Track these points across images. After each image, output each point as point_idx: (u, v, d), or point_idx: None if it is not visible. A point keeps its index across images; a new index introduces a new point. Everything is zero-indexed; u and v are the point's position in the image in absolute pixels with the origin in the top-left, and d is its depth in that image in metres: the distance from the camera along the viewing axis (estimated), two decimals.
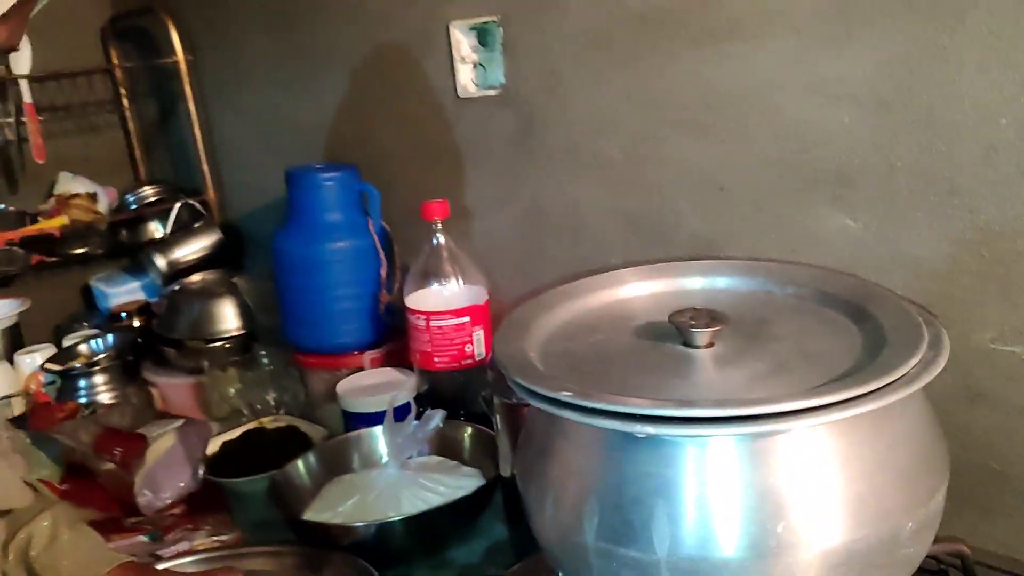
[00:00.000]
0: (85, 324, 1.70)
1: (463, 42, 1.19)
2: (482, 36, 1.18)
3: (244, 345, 1.47)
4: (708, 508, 0.49)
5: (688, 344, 0.58)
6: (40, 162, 1.56)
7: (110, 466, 1.19)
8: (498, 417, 0.97)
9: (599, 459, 0.53)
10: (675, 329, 0.59)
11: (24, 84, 1.51)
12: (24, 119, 1.53)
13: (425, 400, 1.20)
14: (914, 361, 0.50)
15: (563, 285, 0.68)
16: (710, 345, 0.58)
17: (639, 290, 0.69)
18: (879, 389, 0.48)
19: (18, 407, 1.43)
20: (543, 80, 1.10)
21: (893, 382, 0.49)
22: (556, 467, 0.56)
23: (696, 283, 0.69)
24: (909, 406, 0.52)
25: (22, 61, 1.51)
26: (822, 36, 0.84)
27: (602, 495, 0.52)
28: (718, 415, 0.48)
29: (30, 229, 1.54)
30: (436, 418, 1.05)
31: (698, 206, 0.98)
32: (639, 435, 0.49)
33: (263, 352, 1.40)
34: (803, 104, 0.86)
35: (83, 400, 1.42)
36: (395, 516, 0.95)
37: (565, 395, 0.51)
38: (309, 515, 1.02)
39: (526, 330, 0.62)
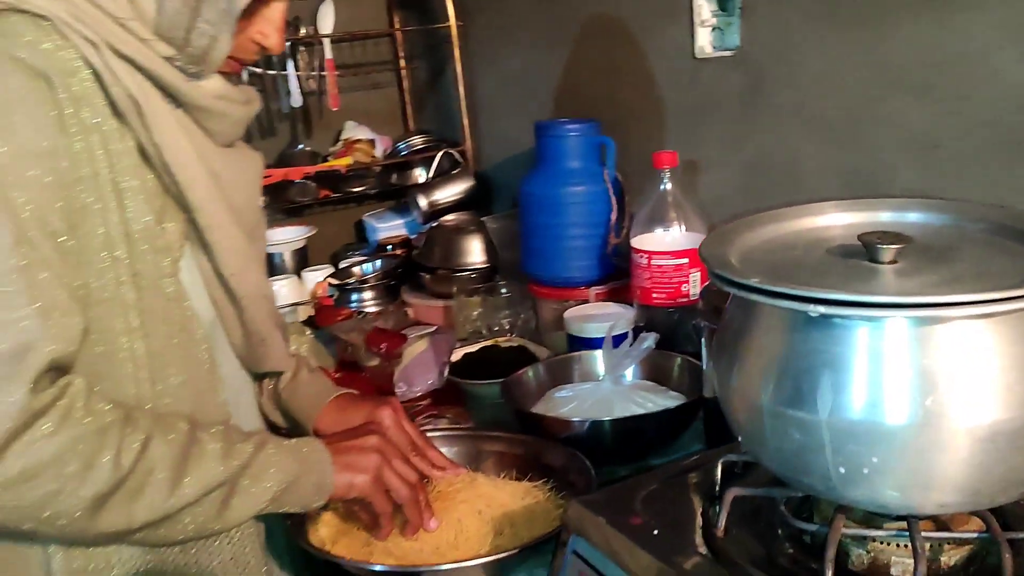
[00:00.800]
0: (357, 252, 2.00)
1: (704, 7, 1.30)
2: (722, 2, 1.29)
3: (487, 276, 1.68)
4: (865, 380, 0.59)
5: (873, 260, 0.67)
6: (334, 110, 1.85)
7: (375, 362, 1.44)
8: (704, 341, 1.09)
9: (779, 336, 0.64)
10: (863, 247, 0.68)
11: (327, 43, 1.80)
12: (324, 73, 1.82)
13: (640, 333, 1.33)
14: None
15: (768, 211, 0.79)
16: (893, 262, 0.67)
17: (837, 220, 0.78)
18: None
19: (304, 313, 1.73)
20: (774, 43, 1.19)
21: None
22: (743, 344, 0.68)
23: (889, 216, 0.76)
24: None
25: (326, 23, 1.80)
26: None
27: (778, 366, 0.64)
28: (879, 301, 0.58)
29: (322, 166, 1.84)
30: (649, 340, 1.18)
31: (912, 162, 1.04)
32: (812, 314, 0.60)
33: (503, 282, 1.60)
34: (1019, 68, 0.90)
35: (353, 309, 1.70)
36: (602, 417, 1.10)
37: (754, 281, 0.62)
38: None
39: (731, 240, 0.73)
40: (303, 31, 1.80)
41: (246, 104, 0.92)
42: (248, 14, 0.85)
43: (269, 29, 0.88)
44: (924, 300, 0.57)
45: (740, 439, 0.71)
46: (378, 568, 0.90)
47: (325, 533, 0.98)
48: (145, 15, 0.80)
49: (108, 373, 0.81)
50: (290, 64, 1.77)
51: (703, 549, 0.71)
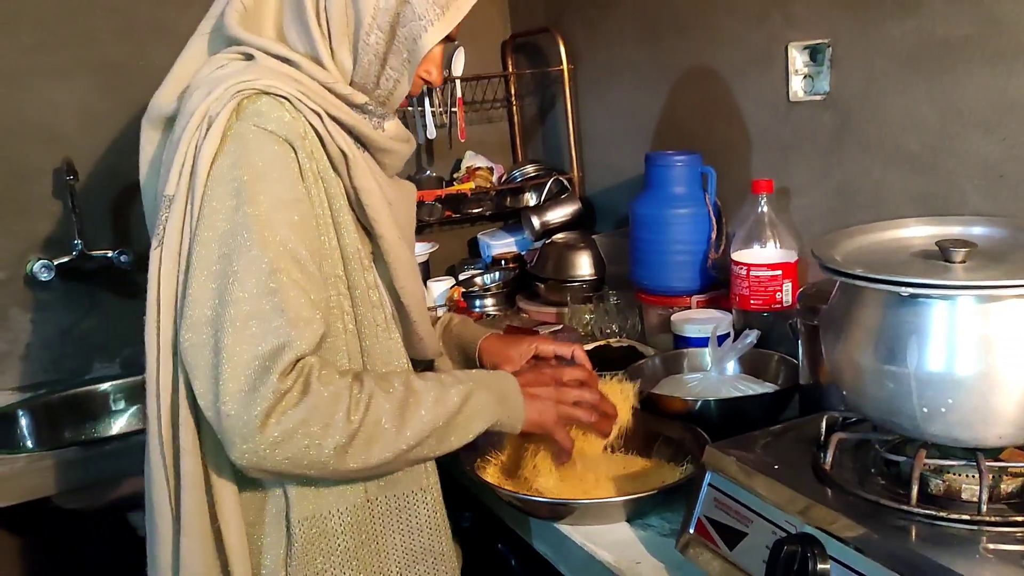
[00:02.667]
0: (472, 266, 2.25)
1: (798, 58, 1.53)
2: (813, 54, 1.51)
3: (595, 286, 1.92)
4: (941, 342, 0.81)
5: (947, 260, 0.88)
6: (463, 141, 2.12)
7: None
8: (800, 336, 1.31)
9: (877, 312, 0.86)
10: (939, 250, 0.90)
11: (458, 83, 2.08)
12: (455, 109, 2.09)
13: (739, 334, 1.55)
14: None
15: (863, 224, 1.02)
16: (963, 262, 0.88)
17: (919, 232, 0.99)
18: None
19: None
20: (861, 88, 1.42)
21: None
22: (848, 320, 0.89)
23: (960, 229, 0.97)
24: None
25: (458, 65, 2.07)
26: None
27: (877, 334, 0.85)
28: (949, 283, 0.80)
29: (450, 189, 2.10)
30: (752, 336, 1.40)
31: (981, 189, 1.25)
32: (903, 294, 0.82)
33: (612, 292, 1.83)
34: None
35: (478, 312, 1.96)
36: (714, 398, 1.32)
37: (859, 271, 0.85)
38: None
39: (835, 245, 0.96)
40: None
41: (408, 142, 1.18)
42: (424, 64, 1.09)
43: (432, 67, 1.12)
44: (974, 283, 0.80)
45: (844, 393, 0.93)
46: (538, 499, 1.14)
47: (492, 475, 1.23)
48: (345, 71, 1.05)
49: (331, 361, 1.02)
50: (426, 101, 2.04)
51: (813, 479, 0.93)
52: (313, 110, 1.02)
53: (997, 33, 1.20)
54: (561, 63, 2.11)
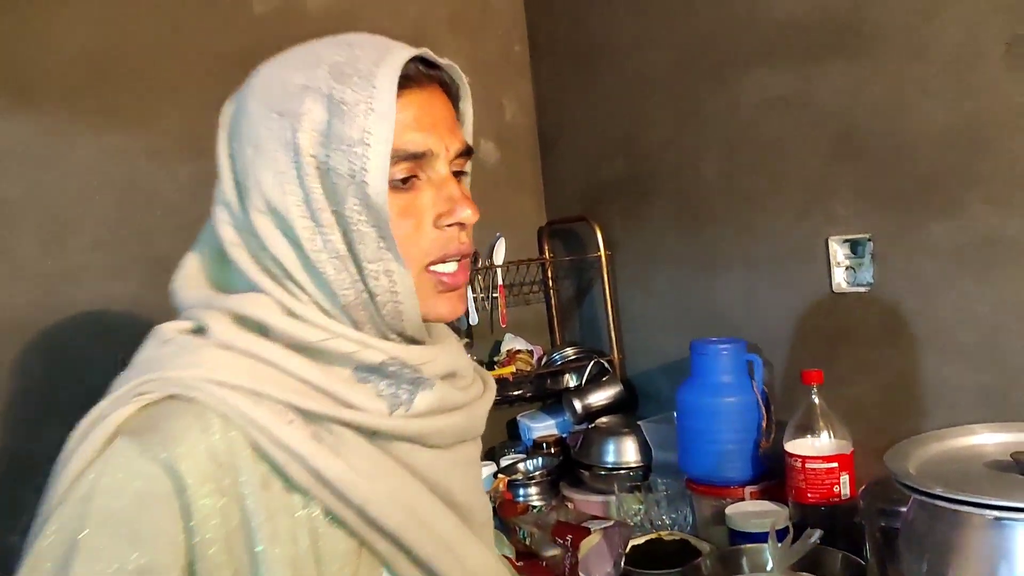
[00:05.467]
0: (514, 450, 2.23)
1: (839, 251, 1.57)
2: (854, 247, 1.55)
3: (643, 473, 1.88)
4: None
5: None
6: (503, 326, 2.14)
7: (555, 552, 1.63)
8: (867, 536, 1.26)
9: (961, 530, 0.84)
10: (1015, 463, 0.88)
11: (499, 270, 2.13)
12: (495, 295, 2.13)
13: (798, 529, 1.50)
14: None
15: (931, 431, 1.00)
16: None
17: (990, 439, 0.99)
18: None
19: None
20: (906, 281, 1.44)
21: None
22: (929, 536, 0.87)
23: None
24: None
25: (499, 254, 2.13)
26: None
27: (963, 554, 0.83)
28: None
29: (493, 374, 2.11)
30: (815, 536, 1.36)
31: None
32: (989, 517, 0.80)
33: (661, 480, 1.80)
34: None
35: (521, 503, 1.91)
36: None
37: (938, 490, 0.83)
38: None
39: (907, 456, 0.95)
40: (480, 262, 2.14)
41: (466, 407, 0.87)
42: (412, 216, 0.79)
43: (451, 206, 0.81)
44: None
45: None
46: None
47: None
48: (323, 301, 0.78)
49: None
50: (469, 290, 2.09)
51: None
52: (277, 402, 0.75)
53: None
54: (598, 250, 2.16)
